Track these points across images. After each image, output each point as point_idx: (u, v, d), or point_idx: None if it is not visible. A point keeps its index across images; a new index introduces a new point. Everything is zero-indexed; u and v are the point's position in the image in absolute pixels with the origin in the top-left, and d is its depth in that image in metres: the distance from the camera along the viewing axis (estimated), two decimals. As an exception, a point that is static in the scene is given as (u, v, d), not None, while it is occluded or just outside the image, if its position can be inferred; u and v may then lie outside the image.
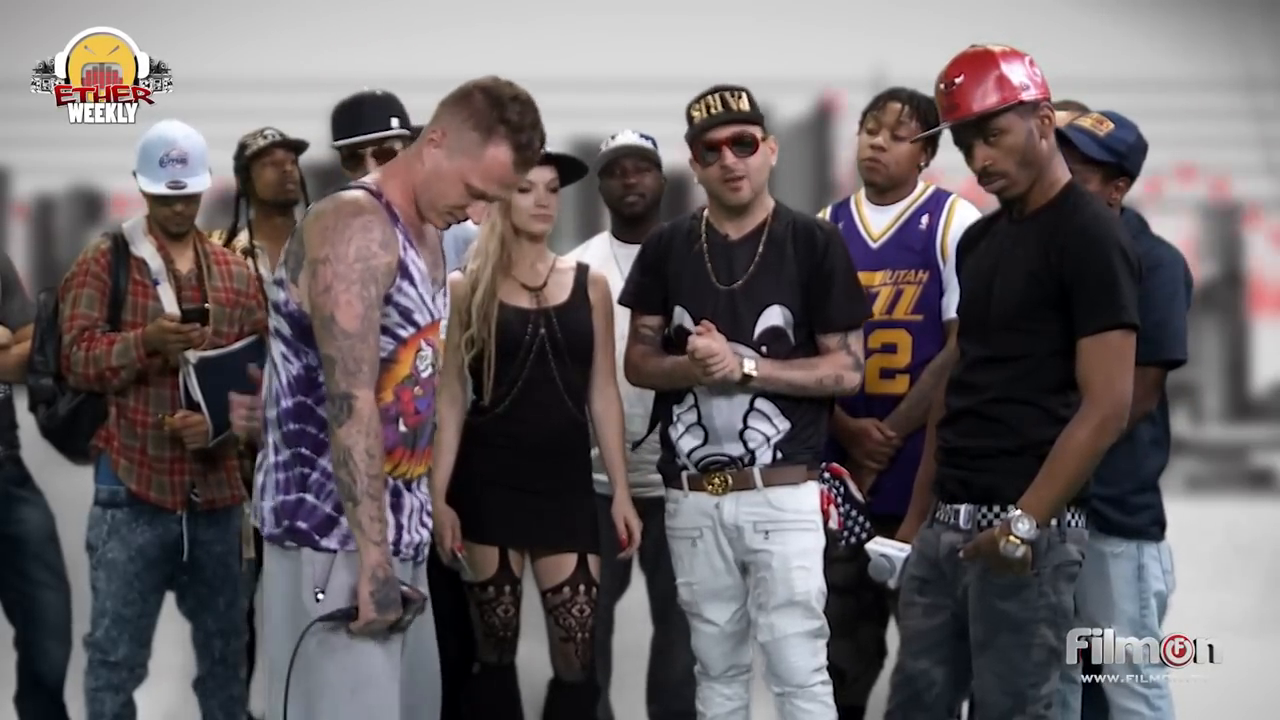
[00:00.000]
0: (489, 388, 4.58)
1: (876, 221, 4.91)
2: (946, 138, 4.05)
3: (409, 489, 3.67)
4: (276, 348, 3.60)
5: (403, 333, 3.57)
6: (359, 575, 3.51)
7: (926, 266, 4.81)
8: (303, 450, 3.57)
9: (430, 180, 3.59)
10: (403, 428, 3.59)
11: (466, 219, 3.69)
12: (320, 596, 3.54)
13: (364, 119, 4.95)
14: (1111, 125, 4.37)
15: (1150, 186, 4.63)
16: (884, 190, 4.88)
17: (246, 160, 5.49)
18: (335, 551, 3.56)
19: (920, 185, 4.93)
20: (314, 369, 3.55)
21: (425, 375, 3.63)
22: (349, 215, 3.51)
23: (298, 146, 5.51)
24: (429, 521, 3.76)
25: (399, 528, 3.64)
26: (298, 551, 3.58)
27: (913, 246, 4.83)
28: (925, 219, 4.86)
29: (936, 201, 4.89)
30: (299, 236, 3.56)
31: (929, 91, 4.01)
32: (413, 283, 3.57)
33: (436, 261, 3.71)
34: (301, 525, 3.57)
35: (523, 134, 3.55)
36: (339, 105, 5.02)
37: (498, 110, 3.55)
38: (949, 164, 4.28)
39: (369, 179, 3.65)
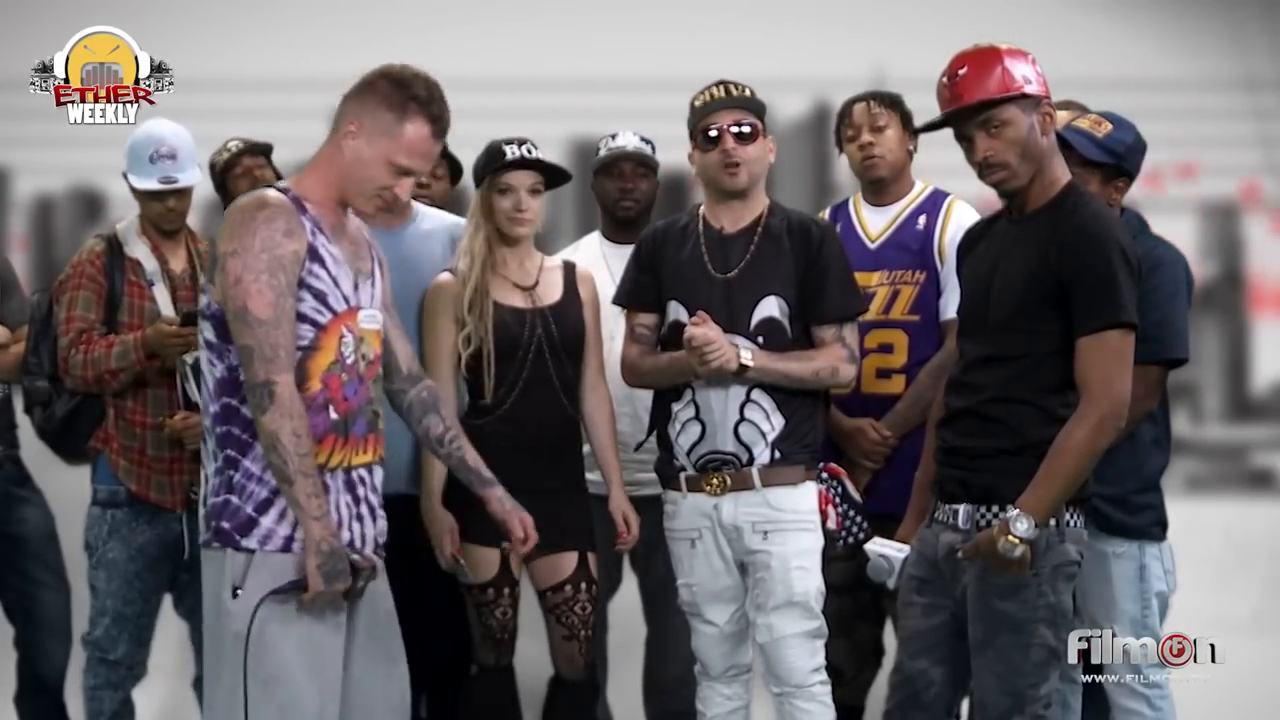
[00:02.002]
0: (490, 388, 4.58)
1: (874, 222, 4.93)
2: (940, 137, 4.06)
3: (347, 480, 3.70)
4: (203, 356, 3.69)
5: (321, 318, 3.66)
6: (305, 550, 3.59)
7: (923, 267, 4.83)
8: (229, 451, 3.65)
9: (354, 168, 3.71)
10: (334, 415, 3.66)
11: (396, 199, 3.76)
12: (238, 594, 3.61)
13: None
14: (1110, 126, 4.38)
15: (1150, 185, 4.62)
16: (888, 184, 4.90)
17: (220, 177, 5.47)
18: (254, 551, 3.62)
19: (918, 185, 4.95)
20: (235, 369, 3.63)
21: (351, 361, 3.70)
22: (253, 210, 3.64)
23: (264, 150, 5.47)
24: (379, 514, 3.79)
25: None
26: (221, 552, 3.65)
27: (910, 247, 4.85)
28: (923, 219, 4.88)
29: (934, 202, 4.90)
30: (214, 237, 3.69)
31: (929, 92, 4.02)
32: (324, 265, 3.66)
33: (360, 254, 3.78)
34: (225, 525, 3.64)
35: (433, 106, 3.70)
36: None
37: (406, 89, 3.70)
38: (948, 166, 4.29)
39: (281, 182, 3.79)
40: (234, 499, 3.64)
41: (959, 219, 4.81)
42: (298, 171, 3.85)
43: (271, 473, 3.60)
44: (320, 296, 3.66)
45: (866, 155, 4.89)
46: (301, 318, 3.64)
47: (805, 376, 4.40)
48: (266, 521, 3.63)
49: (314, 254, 3.65)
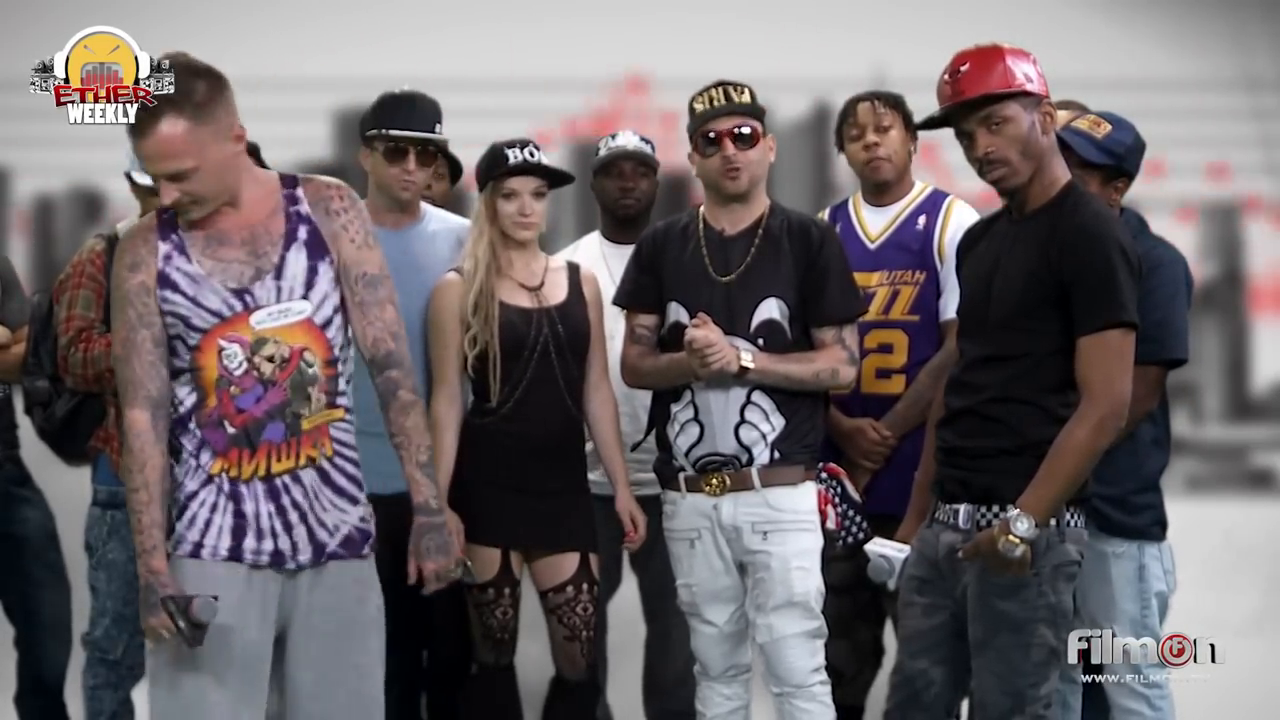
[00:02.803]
0: (495, 388, 4.59)
1: (874, 222, 4.92)
2: (941, 139, 4.06)
3: (269, 489, 3.63)
4: None
5: (191, 340, 3.62)
6: None
7: (923, 267, 4.82)
8: (171, 462, 3.67)
9: None
10: (230, 429, 3.61)
11: (172, 205, 3.63)
12: None
13: (416, 116, 4.80)
14: (1109, 127, 4.38)
15: (1149, 185, 4.63)
16: (890, 185, 4.89)
17: None
18: (169, 555, 3.64)
19: (918, 186, 4.94)
20: None
21: (242, 371, 3.63)
22: (120, 244, 3.72)
23: (251, 149, 5.39)
24: (319, 519, 3.67)
25: (238, 533, 3.62)
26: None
27: (910, 247, 4.85)
28: (922, 220, 4.87)
29: (933, 202, 4.90)
30: None
31: (929, 93, 4.02)
32: (177, 289, 3.62)
33: (259, 249, 3.66)
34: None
35: (156, 108, 3.70)
36: (389, 96, 4.84)
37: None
38: (951, 166, 4.29)
39: None
40: (174, 507, 3.67)
41: (959, 219, 4.81)
42: (299, 171, 3.81)
43: None
44: (185, 320, 3.62)
45: (871, 156, 4.88)
46: (179, 340, 3.64)
47: (805, 378, 4.40)
48: (179, 527, 3.62)
49: (164, 280, 3.63)
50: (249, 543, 3.62)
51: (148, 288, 3.62)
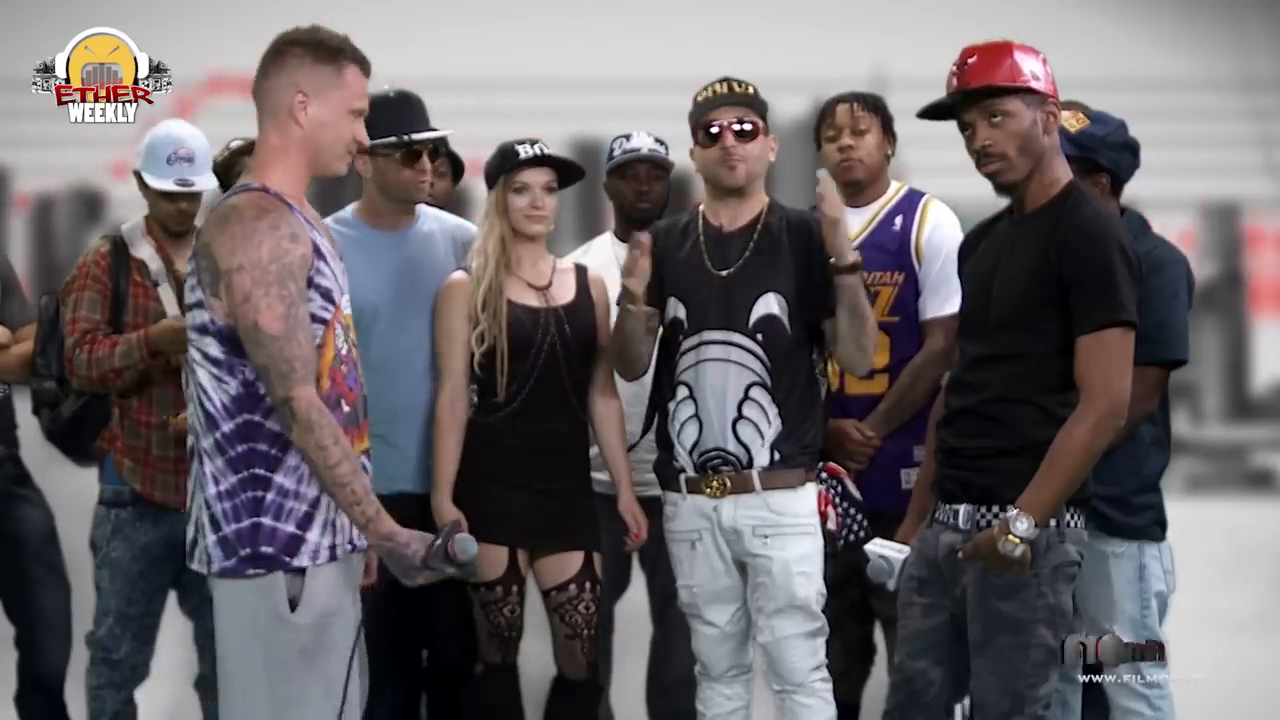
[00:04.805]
0: (503, 385, 4.59)
1: (851, 223, 4.91)
2: (918, 137, 4.06)
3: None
4: (203, 373, 3.54)
5: (326, 315, 3.56)
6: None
7: (901, 267, 4.84)
8: (256, 471, 3.51)
9: (320, 133, 3.60)
10: (345, 408, 3.58)
11: (361, 145, 3.65)
12: (296, 609, 3.49)
13: (419, 116, 4.76)
14: (1088, 122, 4.37)
15: (1149, 186, 4.62)
16: (864, 186, 4.90)
17: (220, 176, 5.38)
18: (306, 568, 3.52)
19: (893, 186, 4.95)
20: (253, 382, 3.51)
21: (345, 352, 3.61)
22: (253, 218, 3.49)
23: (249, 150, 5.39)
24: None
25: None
26: (265, 577, 3.51)
27: (887, 248, 4.86)
28: (899, 220, 4.89)
29: (909, 202, 4.92)
30: (206, 251, 3.52)
31: (928, 93, 4.02)
32: (326, 261, 3.58)
33: (331, 239, 3.69)
34: (267, 550, 3.51)
35: (351, 49, 3.68)
36: (383, 98, 4.67)
37: (324, 44, 3.65)
38: (937, 165, 4.29)
39: (250, 179, 3.63)
40: (266, 521, 3.50)
41: (935, 218, 4.84)
42: None
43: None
44: (326, 294, 3.55)
45: (845, 158, 4.89)
46: (312, 319, 3.52)
47: (869, 319, 4.39)
48: (313, 536, 3.52)
49: (318, 252, 3.55)
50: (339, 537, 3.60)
51: (307, 261, 3.52)
